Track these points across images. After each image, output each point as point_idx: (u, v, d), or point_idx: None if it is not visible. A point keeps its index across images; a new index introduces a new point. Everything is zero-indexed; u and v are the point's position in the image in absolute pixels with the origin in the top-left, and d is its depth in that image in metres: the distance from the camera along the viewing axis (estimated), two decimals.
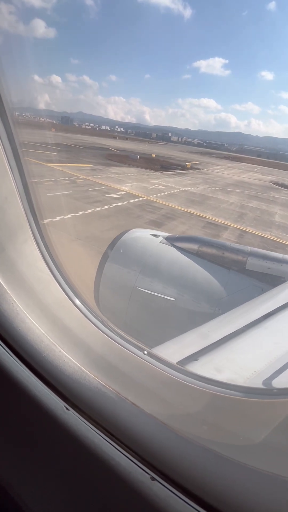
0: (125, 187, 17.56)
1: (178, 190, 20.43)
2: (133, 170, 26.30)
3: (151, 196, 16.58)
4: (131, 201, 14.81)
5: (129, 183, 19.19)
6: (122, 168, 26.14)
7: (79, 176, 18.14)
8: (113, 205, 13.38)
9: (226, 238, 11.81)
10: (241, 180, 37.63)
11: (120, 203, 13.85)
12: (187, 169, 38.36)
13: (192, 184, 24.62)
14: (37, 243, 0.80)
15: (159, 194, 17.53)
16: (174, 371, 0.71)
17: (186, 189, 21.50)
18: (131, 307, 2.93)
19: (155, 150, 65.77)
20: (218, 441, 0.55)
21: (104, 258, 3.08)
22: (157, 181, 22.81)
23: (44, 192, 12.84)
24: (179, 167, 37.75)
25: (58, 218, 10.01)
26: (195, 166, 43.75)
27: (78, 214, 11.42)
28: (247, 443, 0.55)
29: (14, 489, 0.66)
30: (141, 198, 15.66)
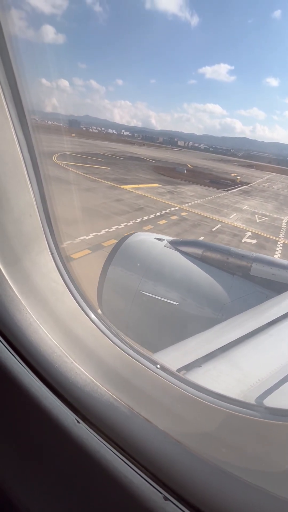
0: (236, 222, 16.28)
1: (283, 221, 19.54)
2: (199, 189, 25.76)
3: (280, 237, 15.15)
4: (278, 249, 13.11)
5: (228, 214, 18.25)
6: (187, 186, 25.72)
7: (175, 206, 17.07)
8: None
9: None
10: None
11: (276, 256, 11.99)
12: (239, 184, 38.51)
13: (279, 210, 23.88)
14: (52, 254, 0.80)
15: (284, 233, 16.16)
16: (188, 387, 0.70)
17: (285, 218, 20.68)
18: (134, 311, 2.92)
19: (182, 159, 65.46)
20: (235, 464, 0.54)
21: (108, 261, 3.08)
22: (244, 207, 22.05)
23: None
24: (230, 182, 38.11)
25: None
26: (242, 180, 43.73)
27: None
28: (266, 468, 0.53)
29: (22, 502, 0.65)
30: (280, 244, 13.98)
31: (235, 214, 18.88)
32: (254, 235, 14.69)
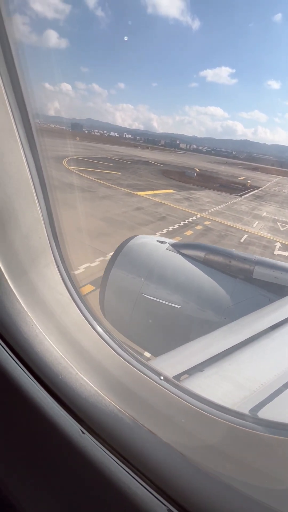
0: (262, 232, 15.81)
1: None
2: (213, 195, 25.62)
3: None
4: None
5: (250, 222, 17.83)
6: (201, 192, 25.59)
7: (196, 215, 16.65)
8: None
9: None
10: None
11: None
12: (250, 188, 38.38)
13: None
14: (58, 267, 0.81)
15: None
16: (191, 399, 0.71)
17: None
18: (136, 314, 2.92)
19: (188, 162, 65.53)
20: (238, 478, 0.54)
21: (110, 264, 3.08)
22: (263, 213, 21.61)
23: None
24: (241, 186, 37.99)
25: None
26: (252, 184, 43.74)
27: None
28: (269, 483, 0.54)
29: (25, 511, 0.65)
30: None
31: (257, 222, 18.44)
32: (284, 246, 14.09)
